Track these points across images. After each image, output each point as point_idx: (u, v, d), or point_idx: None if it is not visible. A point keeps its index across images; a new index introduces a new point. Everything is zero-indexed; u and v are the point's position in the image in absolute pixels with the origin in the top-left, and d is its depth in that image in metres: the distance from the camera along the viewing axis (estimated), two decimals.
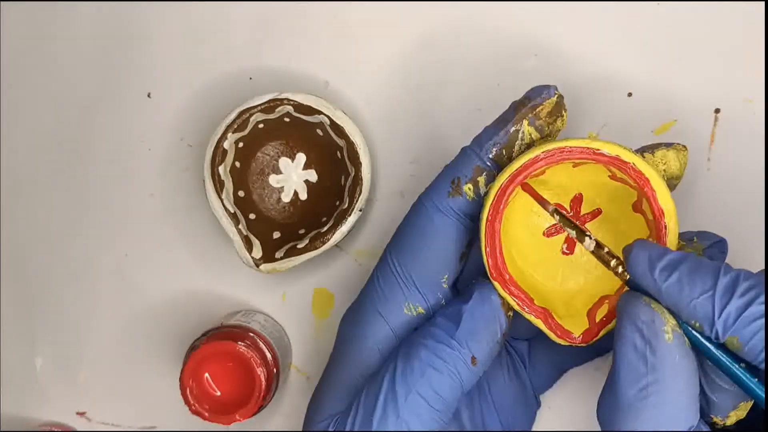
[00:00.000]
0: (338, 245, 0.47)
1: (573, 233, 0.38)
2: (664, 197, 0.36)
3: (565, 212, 0.40)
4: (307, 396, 0.42)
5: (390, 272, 0.39)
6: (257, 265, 0.44)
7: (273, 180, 0.47)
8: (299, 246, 0.45)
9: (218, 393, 0.44)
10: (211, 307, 0.49)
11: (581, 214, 0.40)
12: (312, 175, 0.47)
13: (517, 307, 0.38)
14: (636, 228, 0.38)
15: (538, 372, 0.44)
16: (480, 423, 0.41)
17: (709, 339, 0.34)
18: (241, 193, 0.46)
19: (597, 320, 0.38)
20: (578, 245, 0.40)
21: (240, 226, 0.45)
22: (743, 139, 0.46)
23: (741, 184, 0.46)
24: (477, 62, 0.47)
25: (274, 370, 0.44)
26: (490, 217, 0.37)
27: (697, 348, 0.34)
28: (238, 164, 0.46)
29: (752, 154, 0.46)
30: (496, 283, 0.38)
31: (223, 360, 0.44)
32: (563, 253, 0.40)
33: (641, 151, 0.39)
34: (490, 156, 0.38)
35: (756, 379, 0.33)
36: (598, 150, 0.36)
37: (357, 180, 0.44)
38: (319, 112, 0.44)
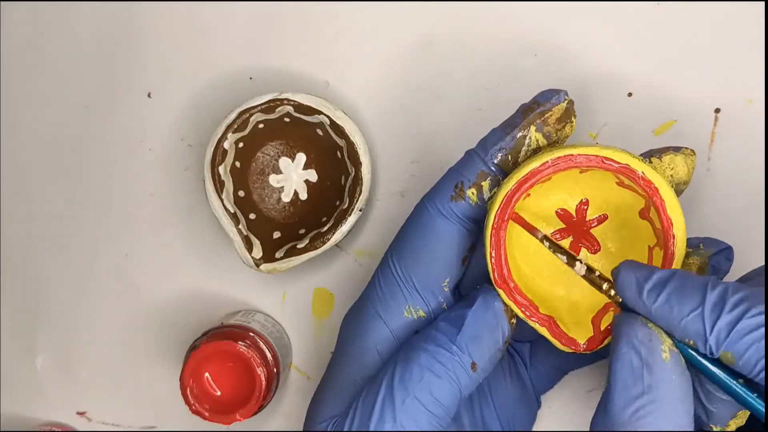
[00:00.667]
0: (338, 245, 0.47)
1: (564, 258, 0.38)
2: (673, 207, 0.36)
3: (561, 229, 0.39)
4: (308, 396, 0.42)
5: (391, 275, 0.39)
6: (257, 265, 0.44)
7: (273, 180, 0.47)
8: (299, 246, 0.45)
9: (218, 393, 0.44)
10: (211, 307, 0.49)
11: (587, 219, 0.40)
12: (312, 175, 0.47)
13: (521, 315, 0.38)
14: (642, 235, 0.38)
15: (540, 373, 0.44)
16: (480, 423, 0.41)
17: (705, 356, 0.34)
18: (241, 193, 0.46)
19: (602, 328, 0.38)
20: (583, 250, 0.39)
21: (240, 226, 0.45)
22: (743, 139, 0.46)
23: (741, 184, 0.46)
24: (477, 62, 0.47)
25: (275, 369, 0.44)
26: (495, 225, 0.37)
27: (694, 366, 0.34)
28: (238, 164, 0.46)
29: (752, 154, 0.46)
30: (500, 291, 0.38)
31: (224, 360, 0.44)
32: None
33: (648, 156, 0.39)
34: (495, 161, 0.38)
35: (755, 394, 0.33)
36: (608, 158, 0.36)
37: (357, 180, 0.44)
38: (320, 112, 0.44)
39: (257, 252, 0.45)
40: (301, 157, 0.47)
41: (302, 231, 0.46)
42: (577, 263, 0.37)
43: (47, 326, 0.49)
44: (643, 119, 0.46)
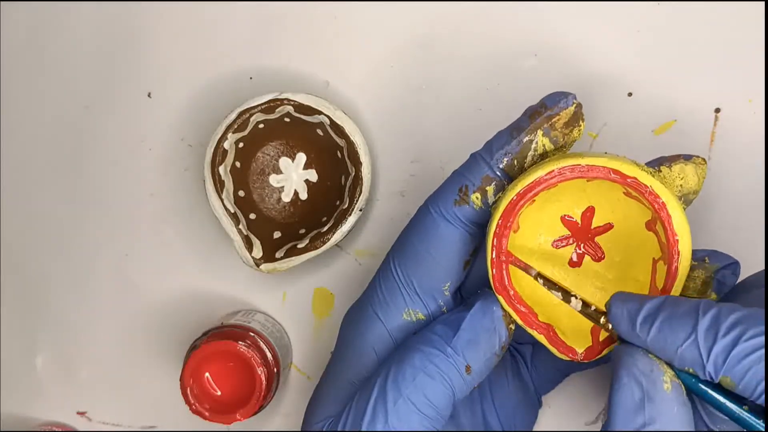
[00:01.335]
0: (338, 245, 0.47)
1: (559, 295, 0.37)
2: (680, 224, 0.36)
3: (567, 231, 0.39)
4: (307, 396, 0.42)
5: (392, 277, 0.39)
6: (257, 265, 0.44)
7: (273, 180, 0.47)
8: (299, 246, 0.45)
9: (219, 393, 0.44)
10: (211, 307, 0.49)
11: (592, 227, 0.39)
12: (312, 175, 0.47)
13: (520, 322, 0.38)
14: (648, 247, 0.38)
15: (541, 374, 0.43)
16: (481, 423, 0.41)
17: (706, 383, 0.33)
18: (241, 193, 0.46)
19: (600, 339, 0.37)
20: (587, 257, 0.39)
21: (240, 226, 0.45)
22: (743, 139, 0.46)
23: (741, 184, 0.46)
24: (477, 62, 0.47)
25: (275, 369, 0.44)
26: (497, 232, 0.37)
27: (698, 395, 0.34)
28: (238, 164, 0.46)
29: (752, 154, 0.46)
30: (500, 297, 0.37)
31: (224, 360, 0.44)
32: (570, 264, 0.40)
33: (658, 163, 0.38)
34: (501, 166, 0.37)
35: (761, 420, 0.33)
36: (615, 171, 0.35)
37: (357, 180, 0.44)
38: (320, 112, 0.44)
39: (257, 252, 0.45)
40: (301, 157, 0.47)
41: (302, 231, 0.46)
42: (573, 299, 0.37)
43: (47, 326, 0.49)
44: (643, 119, 0.46)
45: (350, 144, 0.44)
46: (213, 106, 0.48)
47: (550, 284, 0.38)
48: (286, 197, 0.47)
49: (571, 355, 0.37)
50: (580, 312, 0.37)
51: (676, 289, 0.36)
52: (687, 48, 0.46)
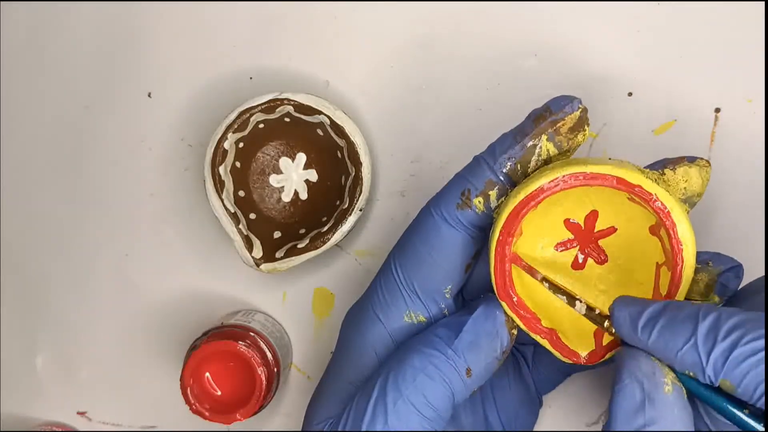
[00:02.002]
0: (338, 245, 0.47)
1: (564, 298, 0.37)
2: (684, 231, 0.35)
3: (572, 233, 0.39)
4: (308, 396, 0.42)
5: (393, 280, 0.39)
6: (258, 265, 0.44)
7: (273, 180, 0.47)
8: (299, 246, 0.45)
9: (219, 392, 0.44)
10: (211, 307, 0.49)
11: (595, 230, 0.39)
12: (312, 175, 0.47)
13: (524, 327, 0.38)
14: (651, 251, 0.38)
15: (542, 375, 0.43)
16: (482, 423, 0.41)
17: (707, 386, 0.33)
18: (241, 193, 0.46)
19: (604, 343, 0.37)
20: (590, 260, 0.39)
21: (240, 226, 0.45)
22: (743, 139, 0.46)
23: (741, 183, 0.46)
24: (477, 62, 0.47)
25: (275, 369, 0.44)
26: (501, 239, 0.36)
27: (699, 398, 0.34)
28: (238, 164, 0.46)
29: (752, 154, 0.46)
30: (503, 303, 0.37)
31: (224, 359, 0.44)
32: (573, 267, 0.39)
33: (662, 166, 0.38)
34: (504, 170, 0.37)
35: (761, 423, 0.33)
36: (620, 180, 0.35)
37: (357, 180, 0.44)
38: (320, 112, 0.44)
39: (257, 252, 0.45)
40: (302, 157, 0.47)
41: (302, 231, 0.46)
42: (577, 303, 0.37)
43: (47, 326, 0.49)
44: (643, 119, 0.46)
45: (350, 144, 0.44)
46: (213, 106, 0.48)
47: (555, 288, 0.37)
48: (286, 197, 0.47)
49: (574, 359, 0.37)
50: (584, 315, 0.37)
51: (680, 296, 0.36)
52: (687, 48, 0.46)
